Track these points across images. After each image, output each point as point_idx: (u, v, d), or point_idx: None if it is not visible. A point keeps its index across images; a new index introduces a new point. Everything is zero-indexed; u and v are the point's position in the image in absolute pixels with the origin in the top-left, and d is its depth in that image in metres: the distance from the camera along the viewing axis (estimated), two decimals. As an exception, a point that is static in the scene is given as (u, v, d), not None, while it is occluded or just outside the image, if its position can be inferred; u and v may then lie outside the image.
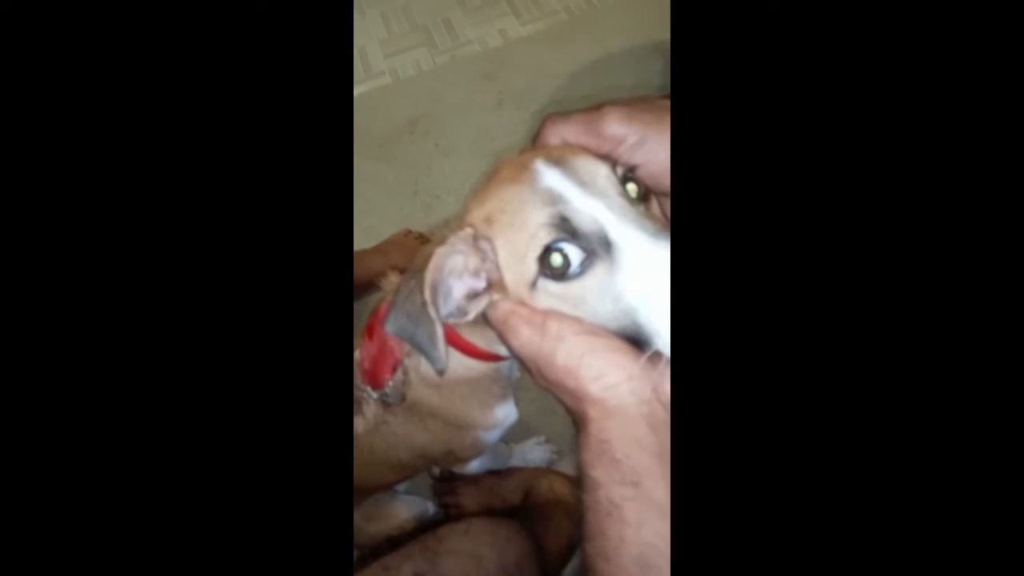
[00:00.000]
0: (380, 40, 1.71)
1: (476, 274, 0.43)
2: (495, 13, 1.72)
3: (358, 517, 0.86)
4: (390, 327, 0.43)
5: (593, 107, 0.43)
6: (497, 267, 0.42)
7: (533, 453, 1.06)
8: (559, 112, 0.45)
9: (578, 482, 0.39)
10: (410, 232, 1.31)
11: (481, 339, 0.56)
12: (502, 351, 0.56)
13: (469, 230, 0.42)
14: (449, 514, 0.95)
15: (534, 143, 0.46)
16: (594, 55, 1.56)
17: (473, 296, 0.43)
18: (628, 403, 0.36)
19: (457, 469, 0.81)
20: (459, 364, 0.60)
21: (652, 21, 1.60)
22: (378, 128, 1.52)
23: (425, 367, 0.60)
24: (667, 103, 0.44)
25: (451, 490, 0.98)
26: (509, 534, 0.65)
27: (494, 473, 1.00)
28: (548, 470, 1.03)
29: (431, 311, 0.40)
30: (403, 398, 0.62)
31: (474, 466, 0.81)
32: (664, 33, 1.58)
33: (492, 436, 0.69)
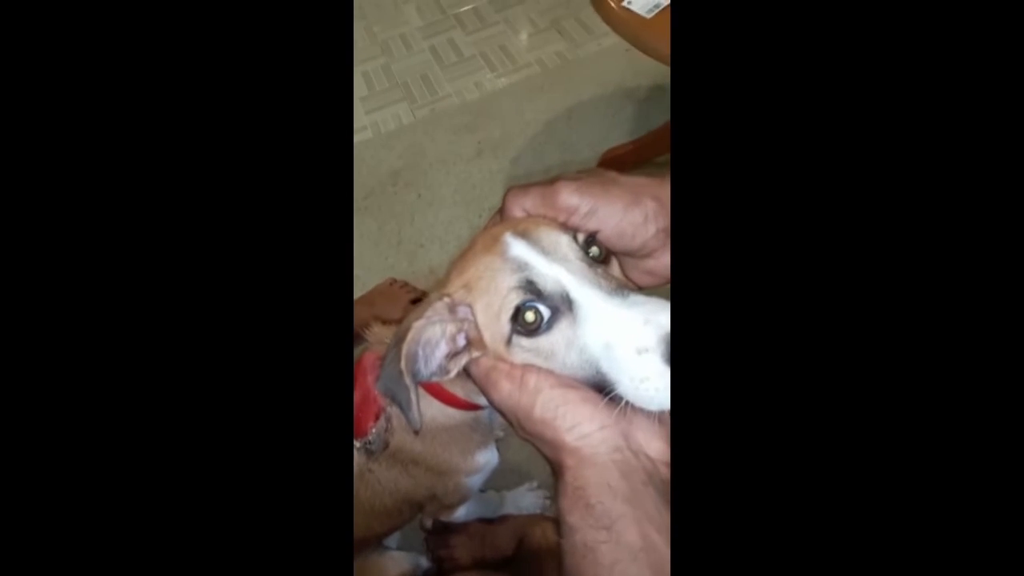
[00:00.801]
0: (361, 97, 1.79)
1: (453, 339, 0.47)
2: (471, 68, 1.80)
3: None
4: (379, 386, 0.47)
5: (548, 181, 0.48)
6: (476, 328, 0.46)
7: (525, 500, 1.05)
8: (519, 185, 0.49)
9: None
10: (395, 281, 1.33)
11: (461, 390, 0.58)
12: (481, 401, 0.58)
13: (446, 300, 0.46)
14: (443, 568, 0.94)
15: (500, 215, 0.50)
16: (567, 103, 1.64)
17: (454, 355, 0.47)
18: (601, 451, 0.39)
19: (445, 517, 0.81)
20: (440, 413, 0.62)
21: (621, 71, 1.69)
22: (361, 181, 1.56)
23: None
24: (615, 175, 0.48)
25: (443, 543, 0.96)
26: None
27: (486, 522, 0.98)
28: (541, 516, 1.02)
29: (407, 380, 0.44)
30: (386, 445, 0.63)
31: (461, 513, 0.80)
32: (633, 81, 1.67)
33: (475, 481, 0.70)
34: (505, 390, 0.43)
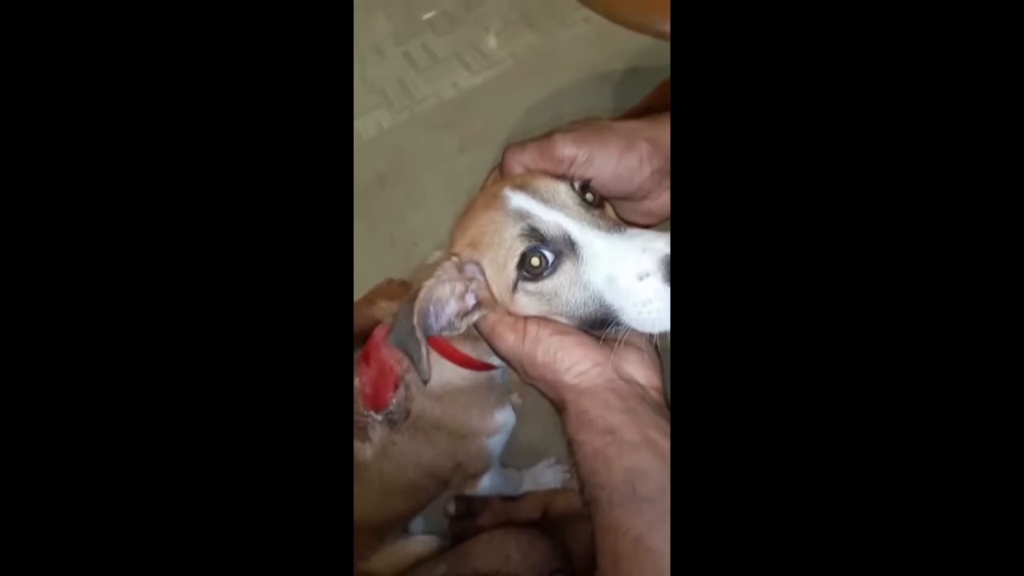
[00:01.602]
0: (342, 108, 1.81)
1: (462, 297, 0.49)
2: (446, 69, 1.83)
3: (377, 563, 0.85)
4: (391, 340, 0.49)
5: (544, 135, 0.50)
6: (486, 284, 0.48)
7: (545, 476, 1.06)
8: (517, 143, 0.51)
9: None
10: (392, 281, 1.34)
11: (473, 351, 0.60)
12: (493, 360, 0.60)
13: (453, 259, 0.48)
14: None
15: (500, 173, 0.52)
16: (545, 91, 1.66)
17: (464, 314, 0.48)
18: (597, 383, 0.42)
19: (469, 490, 0.82)
20: (455, 375, 0.63)
21: (594, 56, 1.72)
22: (350, 187, 1.58)
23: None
24: (608, 123, 0.50)
25: (469, 528, 0.97)
26: (532, 539, 0.66)
27: (509, 499, 0.99)
28: (563, 489, 1.03)
29: (418, 334, 0.47)
30: (407, 413, 0.64)
31: (485, 485, 0.81)
32: (607, 65, 1.70)
33: (495, 443, 0.71)
34: (509, 340, 0.46)
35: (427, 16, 2.00)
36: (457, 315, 0.49)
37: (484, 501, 0.93)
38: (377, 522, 0.76)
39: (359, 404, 0.67)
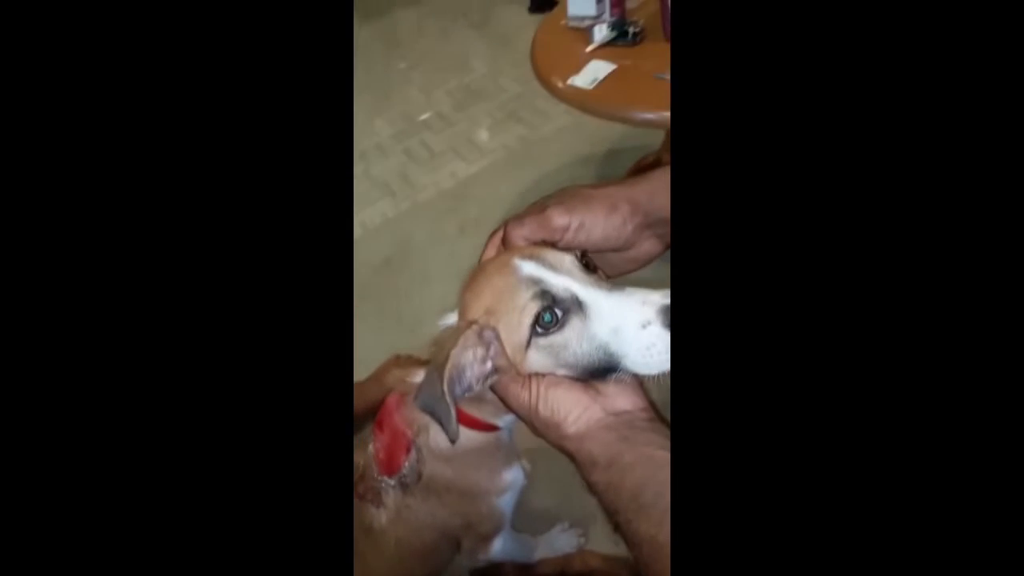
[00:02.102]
0: (348, 201, 1.96)
1: (483, 361, 0.55)
2: (444, 161, 2.00)
3: None
4: (420, 404, 0.54)
5: (539, 208, 0.59)
6: (500, 348, 0.54)
7: (559, 541, 1.07)
8: (516, 217, 0.60)
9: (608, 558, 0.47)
10: (400, 356, 1.41)
11: (479, 412, 0.65)
12: (499, 422, 0.65)
13: (474, 328, 0.54)
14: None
15: (503, 245, 0.61)
16: (534, 176, 1.82)
17: (483, 378, 0.55)
18: (591, 425, 0.48)
19: (482, 553, 0.83)
20: (464, 437, 0.68)
21: (576, 144, 1.89)
22: (357, 272, 1.68)
23: (435, 442, 0.68)
24: (590, 190, 0.59)
25: None
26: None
27: (524, 566, 1.00)
28: (578, 552, 1.04)
29: (447, 398, 0.52)
30: (419, 476, 0.68)
31: (497, 548, 0.83)
32: (588, 150, 1.87)
33: (506, 501, 0.74)
34: (522, 398, 0.52)
35: (423, 117, 2.22)
36: (477, 379, 0.55)
37: (499, 568, 0.93)
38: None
39: (373, 471, 0.71)
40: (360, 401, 1.24)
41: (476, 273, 0.59)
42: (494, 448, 0.70)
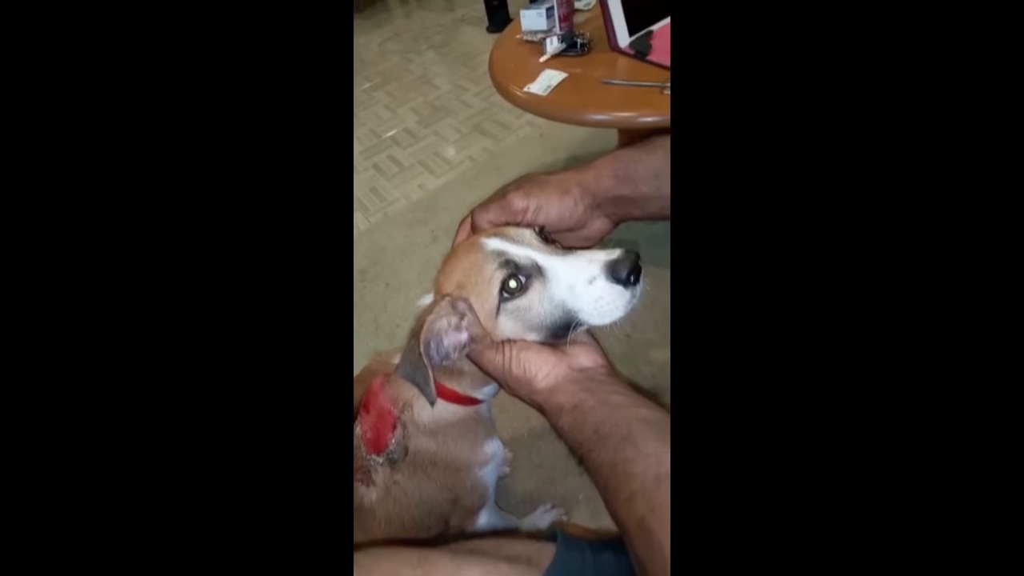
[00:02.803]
0: (320, 218, 2.00)
1: (458, 328, 0.60)
2: (412, 175, 2.06)
3: None
4: (401, 372, 0.60)
5: (500, 194, 0.66)
6: (474, 317, 0.60)
7: (543, 520, 1.12)
8: (481, 205, 0.67)
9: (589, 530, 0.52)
10: (381, 354, 1.45)
11: (459, 386, 0.71)
12: (478, 395, 0.71)
13: (447, 298, 0.60)
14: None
15: (472, 230, 0.67)
16: (500, 183, 1.89)
17: (459, 347, 0.60)
18: (558, 379, 0.54)
19: (468, 528, 0.88)
20: (446, 411, 0.74)
21: (539, 152, 1.98)
22: (333, 285, 1.72)
23: (419, 417, 0.73)
24: (546, 176, 0.67)
25: None
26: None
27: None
28: (559, 522, 1.09)
29: (425, 360, 0.58)
30: (406, 451, 0.73)
31: (482, 523, 0.88)
32: (551, 156, 1.96)
33: (488, 474, 0.79)
34: (493, 360, 0.58)
35: (390, 134, 2.28)
36: (453, 347, 0.61)
37: None
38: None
39: (361, 450, 0.76)
40: None
41: (448, 256, 0.66)
42: (475, 422, 0.76)
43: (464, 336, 0.61)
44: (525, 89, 1.10)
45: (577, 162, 1.97)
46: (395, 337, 1.54)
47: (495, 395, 0.75)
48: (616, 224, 0.68)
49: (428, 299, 0.65)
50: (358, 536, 0.77)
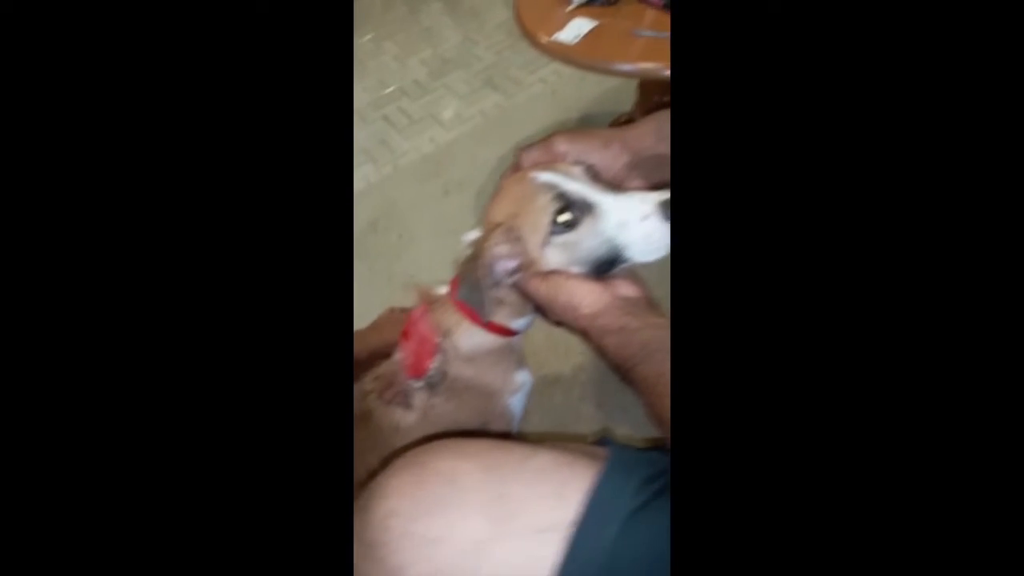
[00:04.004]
0: (329, 168, 1.99)
1: (511, 257, 0.64)
2: (422, 127, 2.05)
3: None
4: (460, 295, 0.64)
5: (546, 138, 0.68)
6: (525, 246, 0.62)
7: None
8: (526, 145, 0.70)
9: None
10: (394, 309, 1.49)
11: (497, 316, 0.75)
12: (514, 326, 0.75)
13: (503, 226, 0.63)
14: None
15: (515, 169, 0.70)
16: (513, 141, 1.89)
17: (510, 273, 0.64)
18: (603, 306, 0.58)
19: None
20: (483, 339, 0.78)
21: (552, 110, 1.98)
22: (345, 234, 1.74)
23: (459, 344, 0.77)
24: (592, 129, 0.70)
25: None
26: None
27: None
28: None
29: (483, 283, 0.61)
30: (445, 375, 0.77)
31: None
32: (564, 115, 1.96)
33: (516, 402, 0.84)
34: (540, 287, 0.62)
35: (399, 85, 2.26)
36: (504, 274, 0.64)
37: None
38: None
39: (401, 376, 0.80)
40: (361, 347, 1.31)
41: (498, 191, 0.69)
42: (508, 351, 0.80)
43: (513, 264, 0.64)
44: (553, 37, 1.11)
45: (591, 122, 1.98)
46: (408, 288, 1.57)
47: (528, 328, 0.79)
48: (652, 187, 0.71)
49: (475, 234, 0.68)
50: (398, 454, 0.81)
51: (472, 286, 0.62)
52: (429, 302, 0.79)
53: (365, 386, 0.85)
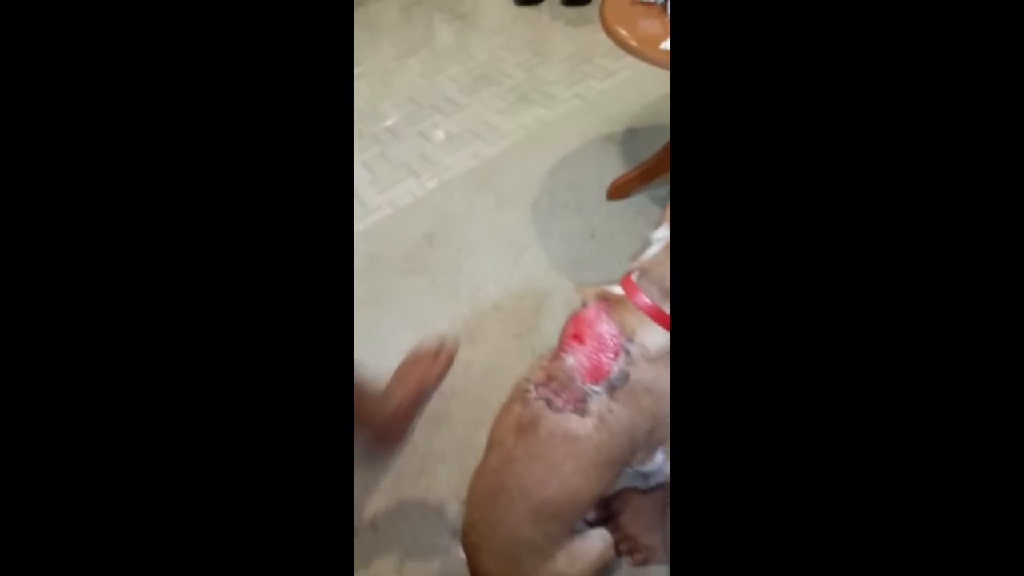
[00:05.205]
0: (368, 182, 1.94)
1: None
2: (463, 142, 2.04)
3: (562, 563, 0.87)
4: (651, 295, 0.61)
5: None
6: None
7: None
8: None
9: None
10: (411, 354, 1.35)
11: None
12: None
13: None
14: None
15: None
16: (560, 154, 1.90)
17: None
18: None
19: (642, 468, 0.90)
20: (665, 339, 0.75)
21: (595, 123, 2.00)
22: (398, 249, 1.68)
23: (645, 343, 0.74)
24: None
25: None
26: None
27: (640, 492, 1.06)
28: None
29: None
30: (627, 377, 0.74)
31: (659, 460, 0.90)
32: (607, 128, 1.98)
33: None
34: None
35: (433, 101, 2.24)
36: None
37: (620, 496, 1.00)
38: (586, 501, 0.82)
39: (578, 381, 0.76)
40: (401, 396, 1.23)
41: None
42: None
43: None
44: (660, 47, 1.12)
45: (636, 135, 2.00)
46: (477, 299, 1.53)
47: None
48: None
49: (663, 231, 0.67)
50: (567, 468, 0.77)
51: (663, 287, 0.60)
52: (605, 302, 0.77)
53: (529, 393, 0.81)
